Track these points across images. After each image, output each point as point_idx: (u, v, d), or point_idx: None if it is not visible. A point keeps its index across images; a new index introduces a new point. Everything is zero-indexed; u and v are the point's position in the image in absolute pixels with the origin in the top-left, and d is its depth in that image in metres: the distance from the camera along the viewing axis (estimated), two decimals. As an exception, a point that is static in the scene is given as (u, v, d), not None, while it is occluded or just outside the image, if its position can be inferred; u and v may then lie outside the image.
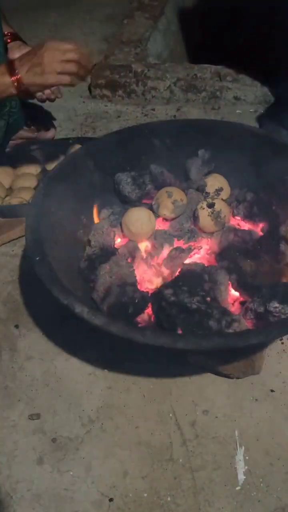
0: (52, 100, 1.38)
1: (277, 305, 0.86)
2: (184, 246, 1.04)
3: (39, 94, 1.30)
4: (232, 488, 0.80)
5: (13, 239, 1.26)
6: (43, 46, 0.98)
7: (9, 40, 1.26)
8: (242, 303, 0.95)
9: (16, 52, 1.23)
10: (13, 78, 0.98)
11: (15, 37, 1.27)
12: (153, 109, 1.78)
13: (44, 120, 1.61)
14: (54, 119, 1.70)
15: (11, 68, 0.99)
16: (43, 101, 1.38)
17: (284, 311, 0.86)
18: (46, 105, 1.81)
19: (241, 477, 0.81)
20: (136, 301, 0.91)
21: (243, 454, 0.84)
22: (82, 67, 1.02)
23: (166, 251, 1.04)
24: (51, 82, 1.00)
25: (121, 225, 1.08)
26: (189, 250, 1.03)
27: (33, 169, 1.43)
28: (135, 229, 1.04)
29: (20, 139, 1.51)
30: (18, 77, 0.98)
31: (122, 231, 1.08)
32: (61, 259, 0.96)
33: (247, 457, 0.83)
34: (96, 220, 1.11)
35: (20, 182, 1.37)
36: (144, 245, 1.06)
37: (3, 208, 1.27)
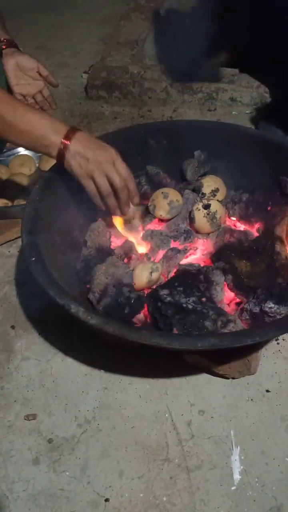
0: (43, 109, 1.37)
1: (272, 305, 0.86)
2: (180, 247, 1.04)
3: (31, 101, 1.27)
4: (227, 487, 0.80)
5: (9, 240, 1.26)
6: (106, 148, 0.93)
7: (4, 47, 1.25)
8: (238, 304, 0.96)
9: (9, 58, 1.23)
10: (63, 141, 0.90)
11: (10, 44, 1.27)
12: (150, 110, 1.78)
13: None
14: None
15: (68, 134, 0.90)
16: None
17: (279, 311, 0.86)
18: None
19: (236, 476, 0.81)
20: (132, 301, 0.91)
21: (238, 454, 0.84)
22: (118, 202, 0.96)
23: (162, 251, 1.04)
24: (80, 178, 0.92)
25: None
26: (185, 250, 1.03)
27: (27, 169, 1.43)
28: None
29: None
30: (67, 145, 0.90)
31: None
32: (57, 259, 0.96)
33: (242, 457, 0.83)
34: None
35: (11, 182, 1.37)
36: (140, 246, 1.07)
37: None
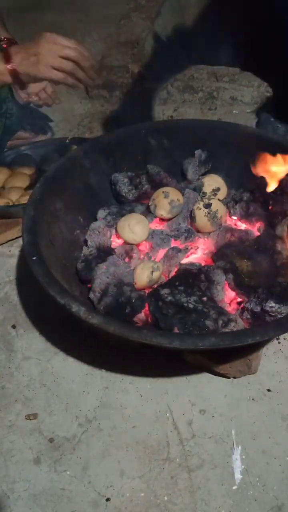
0: (48, 105, 1.38)
1: (273, 304, 0.86)
2: (181, 246, 1.04)
3: (35, 98, 1.29)
4: (228, 487, 0.80)
5: (10, 240, 1.26)
6: (42, 37, 0.97)
7: (4, 46, 1.25)
8: (239, 303, 0.96)
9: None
10: (8, 66, 0.97)
11: (11, 42, 1.27)
12: (150, 110, 1.78)
13: (41, 123, 1.61)
14: (51, 121, 1.70)
15: (7, 56, 0.97)
16: (39, 106, 1.37)
17: (280, 310, 0.86)
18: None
19: (237, 476, 0.81)
20: (133, 301, 0.91)
21: (239, 453, 0.84)
22: (81, 69, 1.01)
23: (163, 251, 1.04)
24: (44, 75, 0.98)
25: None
26: (186, 250, 1.03)
27: (27, 169, 1.43)
28: (128, 238, 1.04)
29: (17, 139, 1.51)
30: (12, 64, 0.97)
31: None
32: (58, 259, 0.96)
33: (243, 456, 0.83)
34: None
35: (13, 182, 1.36)
36: (141, 246, 1.07)
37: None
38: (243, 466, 0.82)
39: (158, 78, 1.79)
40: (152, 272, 0.94)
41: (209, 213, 1.05)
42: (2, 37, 1.26)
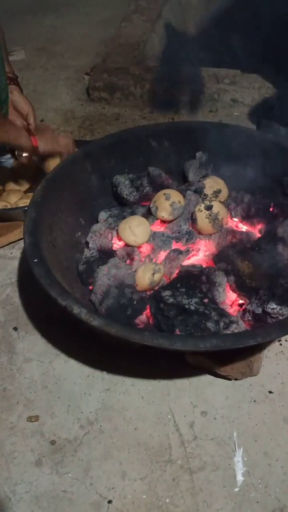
0: None
1: (274, 306, 0.86)
2: (182, 248, 1.04)
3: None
4: (230, 489, 0.80)
5: (12, 242, 1.26)
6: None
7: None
8: (240, 305, 0.96)
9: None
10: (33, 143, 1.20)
11: (11, 80, 1.28)
12: (151, 112, 1.78)
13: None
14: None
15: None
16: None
17: (282, 312, 0.86)
18: (44, 106, 1.82)
19: (239, 478, 0.81)
20: (135, 302, 0.91)
21: (241, 455, 0.84)
22: None
23: (164, 253, 1.04)
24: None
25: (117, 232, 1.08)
26: (187, 251, 1.03)
27: (29, 171, 1.43)
28: (130, 241, 1.04)
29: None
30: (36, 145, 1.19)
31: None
32: (60, 261, 0.96)
33: (245, 458, 0.83)
34: None
35: (12, 184, 1.36)
36: (142, 248, 1.07)
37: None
38: (244, 468, 0.82)
39: (159, 80, 1.79)
40: (153, 274, 0.94)
41: (210, 215, 1.05)
42: (7, 70, 1.27)
